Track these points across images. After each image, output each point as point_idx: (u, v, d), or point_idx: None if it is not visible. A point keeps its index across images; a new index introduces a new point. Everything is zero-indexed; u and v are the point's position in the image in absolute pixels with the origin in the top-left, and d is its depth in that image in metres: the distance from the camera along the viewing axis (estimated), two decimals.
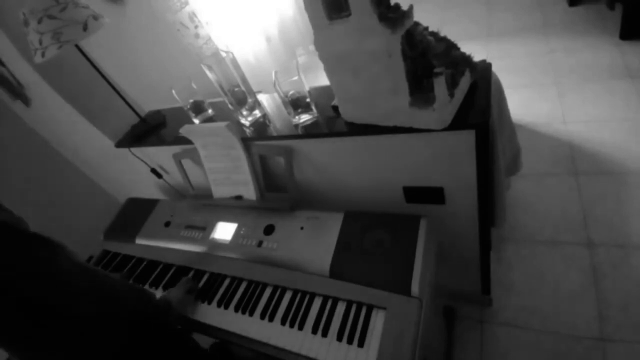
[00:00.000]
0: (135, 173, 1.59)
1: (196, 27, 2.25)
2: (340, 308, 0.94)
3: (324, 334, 0.91)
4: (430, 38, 0.87)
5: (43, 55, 1.10)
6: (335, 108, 1.05)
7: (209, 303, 1.09)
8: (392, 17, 0.75)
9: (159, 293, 1.17)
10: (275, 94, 1.13)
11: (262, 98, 1.33)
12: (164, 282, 1.20)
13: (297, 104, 1.08)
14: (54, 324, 0.73)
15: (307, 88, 1.07)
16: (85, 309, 0.76)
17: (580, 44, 2.43)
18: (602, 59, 2.25)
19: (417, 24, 0.85)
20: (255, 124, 1.22)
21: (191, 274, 1.19)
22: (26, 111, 1.57)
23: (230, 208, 1.27)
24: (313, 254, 1.04)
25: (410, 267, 0.91)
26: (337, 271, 0.98)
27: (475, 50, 0.94)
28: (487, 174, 0.97)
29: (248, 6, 2.67)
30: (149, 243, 1.33)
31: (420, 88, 0.85)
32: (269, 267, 1.08)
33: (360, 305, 0.93)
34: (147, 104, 1.59)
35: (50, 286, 0.72)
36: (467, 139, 0.89)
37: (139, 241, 1.35)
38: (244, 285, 1.10)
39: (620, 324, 1.28)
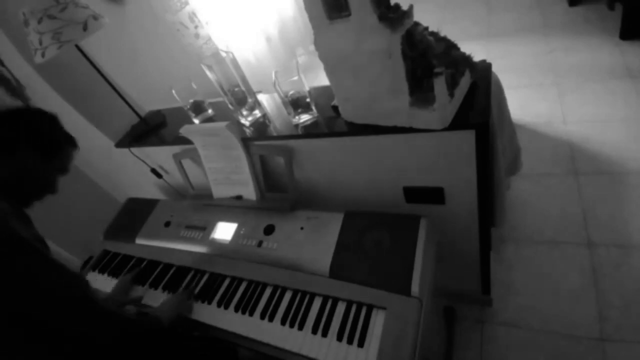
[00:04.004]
0: (135, 173, 1.60)
1: (196, 27, 2.25)
2: (340, 308, 0.94)
3: (324, 334, 0.91)
4: (430, 38, 0.87)
5: (43, 55, 1.10)
6: (335, 108, 1.05)
7: (209, 303, 1.09)
8: (392, 17, 0.75)
9: (158, 293, 1.18)
10: (275, 94, 1.13)
11: (262, 98, 1.33)
12: (164, 282, 1.20)
13: (297, 104, 1.08)
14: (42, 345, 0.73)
15: (307, 88, 1.07)
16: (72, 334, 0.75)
17: (580, 44, 2.43)
18: (602, 59, 2.25)
19: (417, 24, 0.85)
20: (255, 124, 1.22)
21: (191, 274, 1.19)
22: None
23: (230, 208, 1.27)
24: (313, 254, 1.04)
25: (410, 267, 0.91)
26: (337, 271, 0.98)
27: (475, 50, 0.94)
28: (487, 174, 0.97)
29: (248, 6, 2.67)
30: (149, 243, 1.33)
31: (420, 88, 0.85)
32: (269, 267, 1.08)
33: (360, 305, 0.93)
34: (147, 104, 1.59)
35: (45, 306, 0.71)
36: (467, 138, 0.89)
37: (139, 241, 1.35)
38: (244, 285, 1.10)
39: (620, 324, 1.27)
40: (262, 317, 1.00)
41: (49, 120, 0.90)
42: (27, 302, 0.70)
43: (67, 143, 0.92)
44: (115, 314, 0.82)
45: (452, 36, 0.92)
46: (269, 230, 1.15)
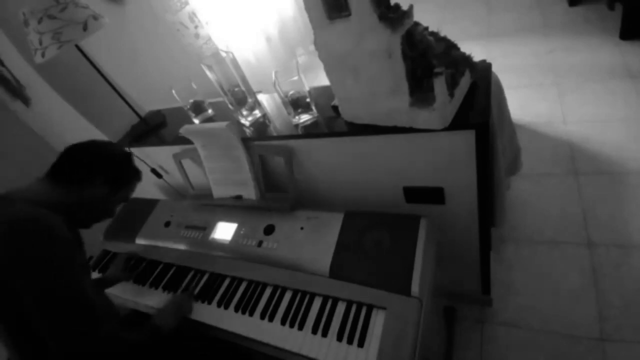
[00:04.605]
0: None
1: (196, 27, 2.25)
2: (340, 308, 0.94)
3: (324, 334, 0.91)
4: (430, 38, 0.87)
5: (43, 55, 1.10)
6: (335, 108, 1.05)
7: (209, 303, 1.09)
8: (392, 17, 0.75)
9: (158, 293, 1.18)
10: (275, 94, 1.13)
11: (262, 98, 1.33)
12: (164, 282, 1.20)
13: (297, 104, 1.08)
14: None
15: (307, 88, 1.07)
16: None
17: (580, 44, 2.43)
18: (602, 59, 2.25)
19: (417, 24, 0.85)
20: (255, 124, 1.22)
21: (191, 274, 1.19)
22: (26, 111, 1.56)
23: (230, 208, 1.27)
24: (313, 254, 1.04)
25: (410, 267, 0.91)
26: (337, 271, 0.98)
27: (475, 50, 0.94)
28: (487, 174, 0.97)
29: (248, 6, 2.68)
30: (149, 243, 1.33)
31: (420, 88, 0.85)
32: (269, 267, 1.08)
33: (360, 305, 0.93)
34: (147, 104, 1.58)
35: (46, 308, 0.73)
36: (467, 139, 0.89)
37: (139, 241, 1.35)
38: (244, 285, 1.10)
39: (620, 324, 1.28)
40: (262, 317, 1.00)
41: (126, 158, 1.00)
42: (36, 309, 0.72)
43: (135, 178, 1.03)
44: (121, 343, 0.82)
45: (452, 36, 0.92)
46: (269, 230, 1.15)
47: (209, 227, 1.25)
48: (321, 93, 1.17)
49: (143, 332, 0.92)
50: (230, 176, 1.25)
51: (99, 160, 0.93)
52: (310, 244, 1.06)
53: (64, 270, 0.75)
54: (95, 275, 1.35)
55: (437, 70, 0.77)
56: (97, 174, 0.91)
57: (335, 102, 1.03)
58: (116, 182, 0.96)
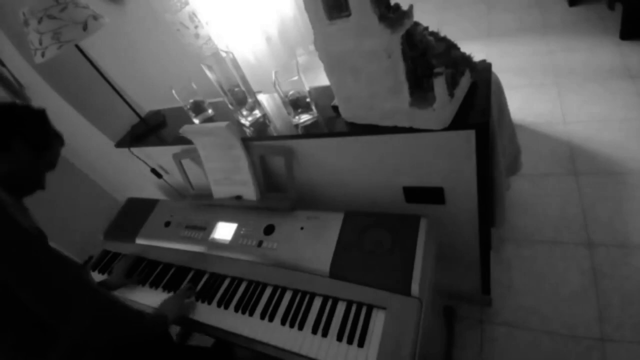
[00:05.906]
0: (135, 173, 1.59)
1: (196, 27, 2.25)
2: (340, 308, 0.94)
3: (324, 334, 0.91)
4: (430, 38, 0.87)
5: (43, 55, 1.10)
6: (335, 108, 1.05)
7: (209, 303, 1.09)
8: (392, 17, 0.75)
9: (159, 293, 1.18)
10: (275, 94, 1.13)
11: (262, 98, 1.33)
12: (164, 282, 1.20)
13: (297, 104, 1.08)
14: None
15: (307, 88, 1.07)
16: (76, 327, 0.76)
17: (580, 44, 2.43)
18: (602, 59, 2.25)
19: (417, 24, 0.85)
20: (255, 124, 1.22)
21: (191, 274, 1.19)
22: None
23: (230, 208, 1.27)
24: (313, 254, 1.04)
25: (410, 267, 0.91)
26: (337, 271, 0.98)
27: (475, 50, 0.94)
28: (487, 174, 0.97)
29: (248, 6, 2.68)
30: (149, 243, 1.33)
31: (420, 88, 0.85)
32: (269, 267, 1.08)
33: (360, 305, 0.93)
34: (147, 104, 1.59)
35: (44, 297, 0.72)
36: (467, 139, 0.89)
37: (139, 241, 1.35)
38: (244, 285, 1.10)
39: (620, 324, 1.28)
40: (262, 317, 1.00)
41: (40, 115, 0.92)
42: (20, 288, 0.71)
43: (56, 138, 0.96)
44: (119, 302, 0.82)
45: (452, 36, 0.92)
46: (269, 230, 1.15)
47: (209, 227, 1.25)
48: (321, 93, 1.17)
49: (151, 314, 0.94)
50: (230, 176, 1.25)
51: (14, 120, 0.86)
52: (310, 244, 1.06)
53: (19, 230, 0.72)
54: (95, 276, 1.35)
55: (437, 70, 0.77)
56: (15, 135, 0.84)
57: (335, 102, 1.03)
58: (37, 143, 0.88)
